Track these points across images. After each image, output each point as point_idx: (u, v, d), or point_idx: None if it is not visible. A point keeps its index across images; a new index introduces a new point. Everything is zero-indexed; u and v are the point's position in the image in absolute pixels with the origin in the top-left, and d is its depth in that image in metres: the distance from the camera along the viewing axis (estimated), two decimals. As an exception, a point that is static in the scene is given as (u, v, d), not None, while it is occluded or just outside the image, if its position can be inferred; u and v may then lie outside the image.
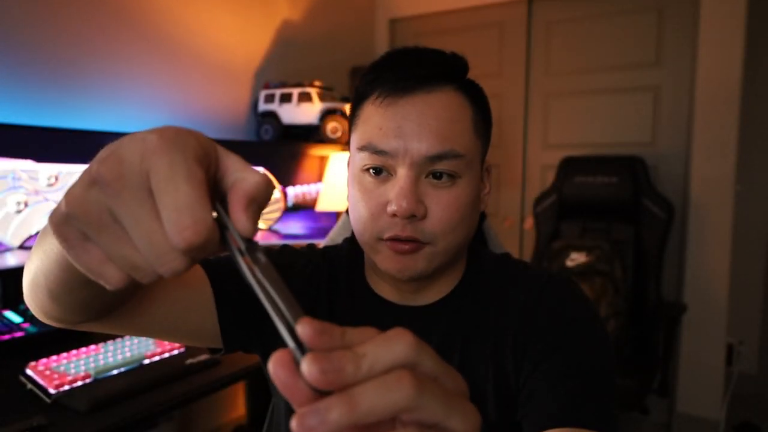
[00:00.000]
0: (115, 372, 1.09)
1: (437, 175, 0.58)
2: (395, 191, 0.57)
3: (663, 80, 2.25)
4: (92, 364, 1.09)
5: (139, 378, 1.07)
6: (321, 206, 2.19)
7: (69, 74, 1.56)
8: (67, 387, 1.01)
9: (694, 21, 2.14)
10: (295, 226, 2.24)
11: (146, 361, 1.15)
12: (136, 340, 1.23)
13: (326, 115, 2.06)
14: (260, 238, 1.91)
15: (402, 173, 0.57)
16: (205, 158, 0.27)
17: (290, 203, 2.20)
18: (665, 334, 2.04)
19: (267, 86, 2.12)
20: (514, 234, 2.62)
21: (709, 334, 2.14)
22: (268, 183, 0.28)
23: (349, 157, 0.65)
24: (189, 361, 1.17)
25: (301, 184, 2.29)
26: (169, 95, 1.85)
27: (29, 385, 1.02)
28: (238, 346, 0.66)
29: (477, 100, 0.63)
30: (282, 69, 2.28)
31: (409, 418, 0.24)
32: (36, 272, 0.43)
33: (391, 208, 0.56)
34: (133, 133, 0.28)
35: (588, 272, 1.96)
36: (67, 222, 0.27)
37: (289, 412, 0.68)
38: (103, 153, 0.27)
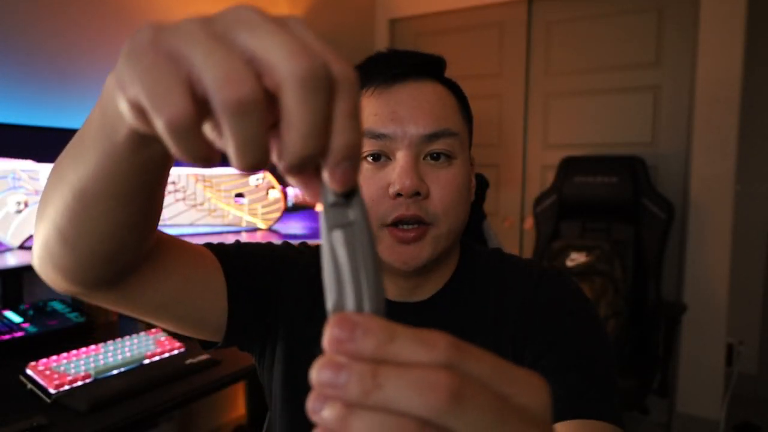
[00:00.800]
0: (115, 372, 1.09)
1: (435, 156, 0.60)
2: (397, 171, 0.58)
3: (663, 80, 2.25)
4: (92, 364, 1.09)
5: (139, 378, 1.07)
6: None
7: (69, 74, 1.56)
8: (67, 387, 1.01)
9: (694, 21, 2.14)
10: (295, 226, 2.24)
11: (146, 361, 1.15)
12: (136, 340, 1.23)
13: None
14: (261, 237, 1.92)
15: (401, 155, 0.58)
16: None
17: (290, 203, 2.20)
18: (665, 334, 2.04)
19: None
20: (514, 234, 2.62)
21: (709, 334, 2.14)
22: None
23: None
24: (189, 361, 1.17)
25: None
26: (169, 95, 1.85)
27: (29, 385, 1.02)
28: (237, 340, 0.65)
29: (458, 94, 0.66)
30: (282, 69, 2.28)
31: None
32: (55, 218, 0.42)
33: (394, 188, 0.57)
34: None
35: (588, 272, 1.96)
36: (158, 37, 0.23)
37: (280, 420, 0.68)
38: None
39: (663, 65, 2.24)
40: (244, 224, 1.85)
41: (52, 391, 0.99)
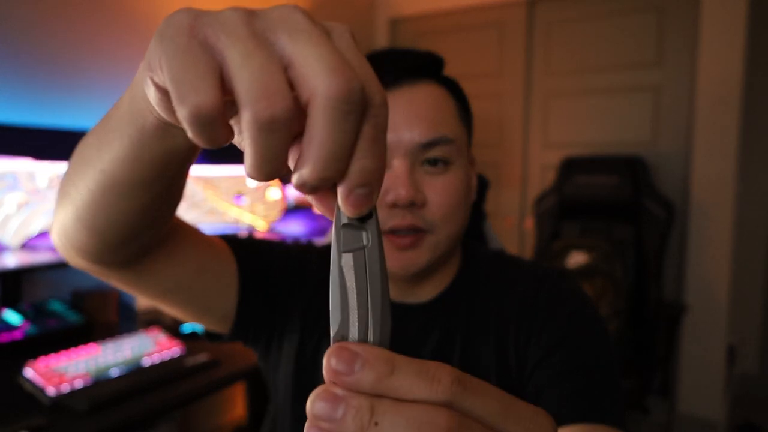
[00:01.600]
0: (114, 372, 1.08)
1: (431, 162, 0.59)
2: (392, 181, 0.57)
3: (663, 80, 2.24)
4: (92, 365, 1.09)
5: (138, 378, 1.07)
6: (321, 206, 2.19)
7: (68, 74, 1.56)
8: (66, 388, 1.01)
9: (695, 20, 2.14)
10: (295, 226, 2.24)
11: (146, 362, 1.15)
12: (135, 340, 1.23)
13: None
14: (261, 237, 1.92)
15: (397, 163, 0.57)
16: None
17: (290, 203, 2.19)
18: (666, 334, 2.04)
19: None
20: (514, 234, 2.62)
21: (709, 335, 2.14)
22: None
23: None
24: (189, 361, 1.17)
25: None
26: (169, 95, 1.85)
27: (28, 386, 1.02)
28: (244, 333, 0.65)
29: (456, 92, 0.65)
30: (282, 69, 2.28)
31: None
32: (75, 200, 0.42)
33: (390, 197, 0.56)
34: None
35: (588, 272, 1.96)
36: (195, 23, 0.22)
37: (287, 417, 0.67)
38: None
39: (664, 65, 2.24)
40: (244, 224, 1.85)
41: (51, 391, 0.99)
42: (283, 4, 0.23)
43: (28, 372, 1.05)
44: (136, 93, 0.32)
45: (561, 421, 0.53)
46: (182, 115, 0.21)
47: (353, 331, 0.22)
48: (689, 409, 2.18)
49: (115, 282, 0.53)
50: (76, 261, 0.50)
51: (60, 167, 1.36)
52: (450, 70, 0.67)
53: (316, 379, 0.65)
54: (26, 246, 1.31)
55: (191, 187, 1.69)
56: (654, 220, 2.06)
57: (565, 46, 2.44)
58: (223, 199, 1.78)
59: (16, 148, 1.28)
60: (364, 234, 0.22)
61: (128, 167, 0.37)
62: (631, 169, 2.09)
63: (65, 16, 1.54)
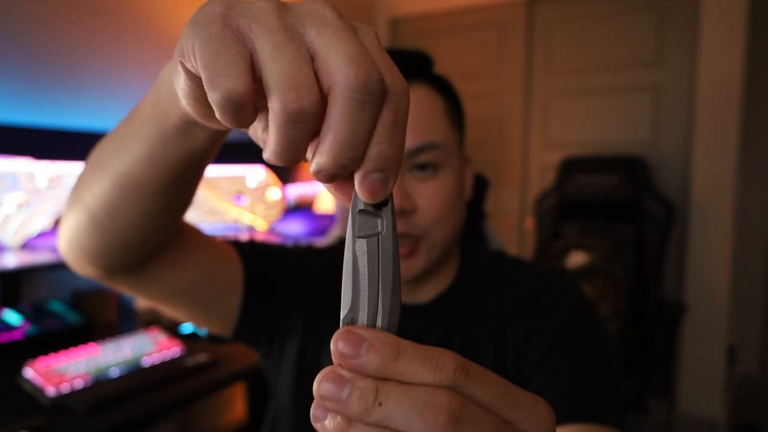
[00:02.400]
0: (114, 372, 1.08)
1: (420, 167, 0.59)
2: None
3: (664, 79, 2.24)
4: (91, 365, 1.09)
5: (138, 379, 1.07)
6: (321, 206, 2.19)
7: (68, 74, 1.56)
8: (66, 388, 1.01)
9: (695, 20, 2.14)
10: (295, 226, 2.24)
11: (146, 362, 1.14)
12: (135, 340, 1.23)
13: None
14: (260, 238, 1.92)
15: None
16: None
17: (290, 203, 2.19)
18: (666, 334, 2.04)
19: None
20: (514, 234, 2.62)
21: (709, 335, 2.14)
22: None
23: None
24: (188, 361, 1.17)
25: (302, 183, 2.29)
26: (169, 95, 1.85)
27: (28, 386, 1.02)
28: (246, 335, 0.65)
29: (447, 92, 0.64)
30: (282, 69, 2.28)
31: None
32: (90, 202, 0.43)
33: None
34: None
35: (589, 272, 1.96)
36: (229, 12, 0.23)
37: (288, 417, 0.67)
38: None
39: (664, 64, 2.24)
40: (243, 224, 1.84)
41: (50, 391, 0.99)
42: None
43: (28, 372, 1.05)
44: (160, 93, 0.33)
45: (561, 421, 0.53)
46: (214, 98, 0.21)
47: (362, 316, 0.22)
48: (689, 409, 2.18)
49: (122, 287, 0.54)
50: (84, 268, 0.51)
51: (60, 167, 1.36)
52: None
53: None
54: (26, 246, 1.31)
55: (191, 187, 1.69)
56: (654, 220, 2.06)
57: (565, 46, 2.44)
58: (223, 199, 1.77)
59: (16, 148, 1.28)
60: (379, 221, 0.23)
61: (149, 168, 0.38)
62: (631, 169, 2.09)
63: (65, 16, 1.54)
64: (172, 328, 1.38)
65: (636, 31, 2.27)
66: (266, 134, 0.25)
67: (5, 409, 0.96)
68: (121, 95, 1.71)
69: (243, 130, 0.25)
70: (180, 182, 0.41)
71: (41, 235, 1.34)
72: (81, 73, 1.59)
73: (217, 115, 0.22)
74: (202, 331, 1.37)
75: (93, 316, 1.42)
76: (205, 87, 0.22)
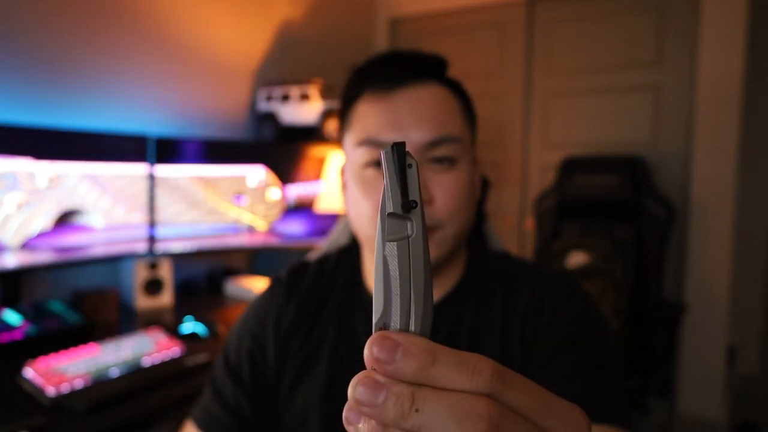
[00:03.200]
0: (114, 372, 1.08)
1: (438, 160, 0.60)
2: None
3: (664, 79, 2.24)
4: (91, 365, 1.09)
5: (138, 379, 1.07)
6: (321, 206, 2.19)
7: (68, 74, 1.56)
8: (66, 388, 1.00)
9: (695, 20, 2.14)
10: (295, 226, 2.24)
11: (146, 362, 1.14)
12: (135, 340, 1.23)
13: (327, 114, 2.06)
14: (260, 239, 1.91)
15: None
16: None
17: (290, 203, 2.19)
18: (666, 334, 2.04)
19: (267, 85, 2.12)
20: (514, 234, 2.62)
21: (710, 334, 2.14)
22: None
23: (344, 160, 0.66)
24: (189, 361, 1.17)
25: (302, 183, 2.29)
26: (169, 94, 1.85)
27: (28, 386, 1.02)
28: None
29: (460, 94, 0.66)
30: (281, 69, 2.28)
31: None
32: None
33: None
34: None
35: (589, 272, 1.96)
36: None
37: None
38: None
39: (664, 64, 2.24)
40: (243, 224, 1.84)
41: (50, 392, 0.99)
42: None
43: (28, 372, 1.05)
44: None
45: None
46: None
47: (395, 320, 0.22)
48: (689, 409, 2.18)
49: None
50: None
51: (60, 167, 1.36)
52: (450, 70, 0.67)
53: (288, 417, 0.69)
54: (26, 246, 1.31)
55: (191, 187, 1.69)
56: (654, 220, 2.06)
57: (565, 46, 2.44)
58: (223, 199, 1.77)
59: (16, 148, 1.28)
60: (408, 224, 0.22)
61: None
62: (631, 169, 2.09)
63: (65, 16, 1.54)
64: (172, 328, 1.38)
65: (636, 31, 2.27)
66: None
67: (5, 409, 0.96)
68: (121, 95, 1.71)
69: None
70: None
71: (41, 235, 1.34)
72: (81, 73, 1.59)
73: None
74: (200, 328, 1.37)
75: (93, 316, 1.42)
76: None
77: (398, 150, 0.22)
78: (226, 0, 2.04)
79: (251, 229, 1.87)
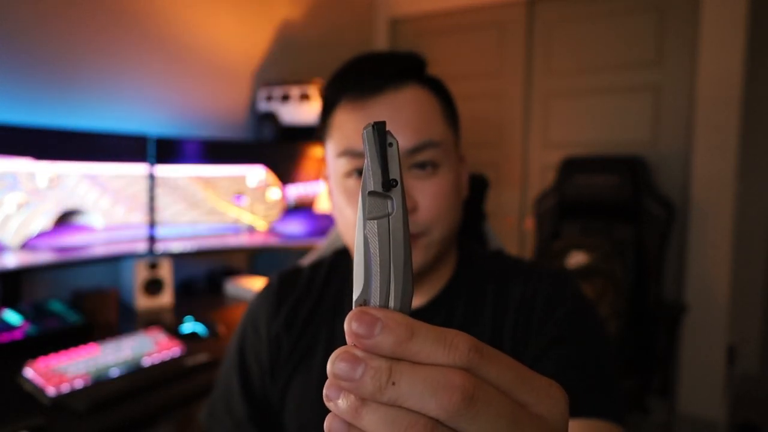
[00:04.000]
0: (114, 372, 1.08)
1: (420, 166, 0.59)
2: None
3: (664, 79, 2.24)
4: (91, 365, 1.09)
5: (138, 378, 1.07)
6: (321, 206, 2.19)
7: (68, 74, 1.56)
8: (66, 388, 1.01)
9: (695, 20, 2.14)
10: (295, 226, 2.24)
11: (146, 362, 1.14)
12: (135, 340, 1.23)
13: (326, 115, 2.05)
14: (260, 239, 1.91)
15: None
16: None
17: (290, 203, 2.19)
18: (666, 334, 2.04)
19: (267, 85, 2.12)
20: (514, 234, 2.62)
21: (710, 334, 2.14)
22: None
23: (327, 168, 0.66)
24: (188, 361, 1.17)
25: (302, 183, 2.29)
26: (168, 94, 1.85)
27: (28, 386, 1.02)
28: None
29: (441, 93, 0.65)
30: (281, 69, 2.28)
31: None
32: None
33: None
34: None
35: (589, 272, 1.96)
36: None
37: None
38: None
39: (664, 64, 2.24)
40: (243, 224, 1.84)
41: (50, 391, 0.99)
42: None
43: (28, 372, 1.05)
44: None
45: None
46: None
47: (375, 297, 0.22)
48: (689, 409, 2.18)
49: None
50: None
51: (60, 167, 1.36)
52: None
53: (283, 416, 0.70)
54: (26, 246, 1.31)
55: (191, 187, 1.69)
56: (654, 220, 2.06)
57: (565, 46, 2.44)
58: (223, 199, 1.77)
59: (16, 148, 1.28)
60: (389, 202, 0.23)
61: None
62: (631, 169, 2.09)
63: (65, 16, 1.54)
64: (172, 328, 1.38)
65: (636, 31, 2.27)
66: None
67: (5, 409, 0.96)
68: (121, 95, 1.71)
69: None
70: None
71: (41, 235, 1.34)
72: (81, 73, 1.59)
73: None
74: (200, 328, 1.37)
75: (93, 316, 1.42)
76: None
77: (378, 129, 0.22)
78: (226, 0, 2.04)
79: (251, 229, 1.87)
